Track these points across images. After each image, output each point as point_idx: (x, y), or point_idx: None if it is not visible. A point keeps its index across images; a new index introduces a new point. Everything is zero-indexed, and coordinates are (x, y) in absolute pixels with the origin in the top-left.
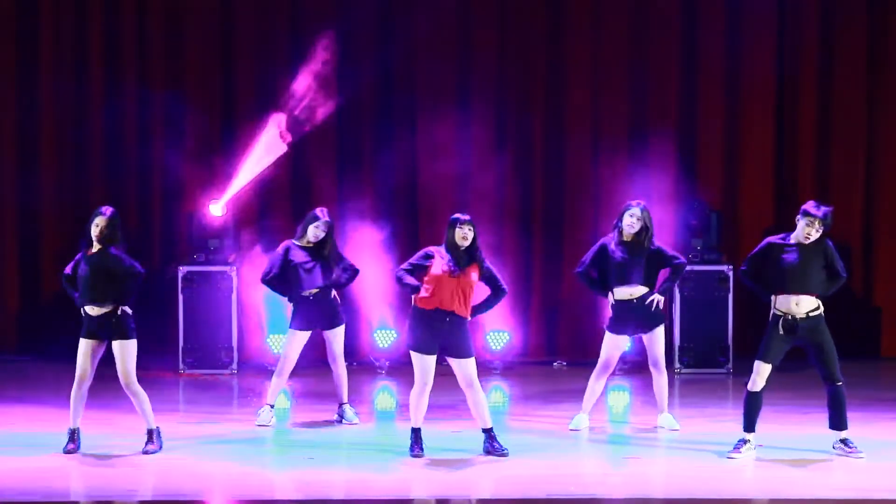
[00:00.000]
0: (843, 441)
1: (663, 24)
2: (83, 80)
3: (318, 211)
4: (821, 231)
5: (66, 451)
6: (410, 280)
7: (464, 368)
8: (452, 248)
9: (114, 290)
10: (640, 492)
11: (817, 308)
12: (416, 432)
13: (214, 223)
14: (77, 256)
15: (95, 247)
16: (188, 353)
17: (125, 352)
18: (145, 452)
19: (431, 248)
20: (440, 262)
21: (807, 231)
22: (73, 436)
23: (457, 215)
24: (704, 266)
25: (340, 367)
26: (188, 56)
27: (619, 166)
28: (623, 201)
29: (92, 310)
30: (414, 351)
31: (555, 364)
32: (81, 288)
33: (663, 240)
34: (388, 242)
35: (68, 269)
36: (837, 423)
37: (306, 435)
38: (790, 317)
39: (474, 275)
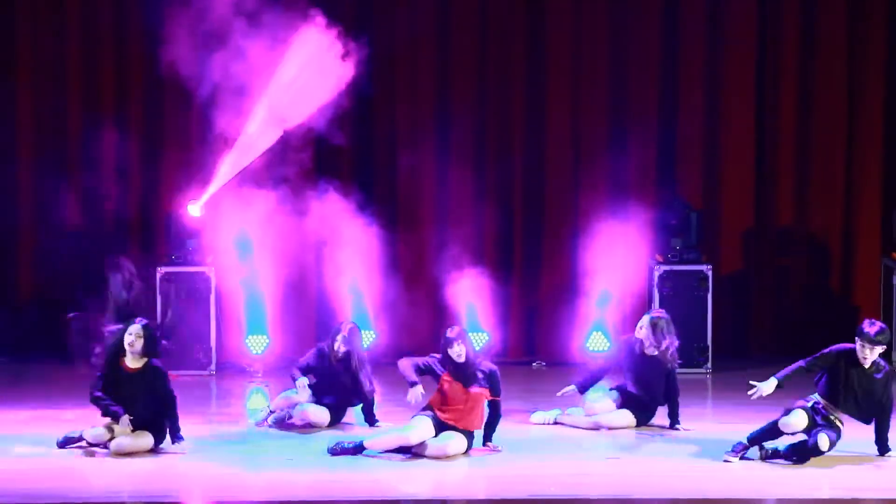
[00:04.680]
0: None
1: (644, 19)
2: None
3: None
4: (876, 351)
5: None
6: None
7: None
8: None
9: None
10: (621, 492)
11: None
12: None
13: (192, 223)
14: (102, 370)
15: (135, 361)
16: (166, 354)
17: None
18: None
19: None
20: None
21: (862, 353)
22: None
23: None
24: (684, 266)
25: None
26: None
27: (599, 168)
28: (604, 204)
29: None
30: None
31: (534, 364)
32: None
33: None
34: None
35: (98, 392)
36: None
37: (285, 436)
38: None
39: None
